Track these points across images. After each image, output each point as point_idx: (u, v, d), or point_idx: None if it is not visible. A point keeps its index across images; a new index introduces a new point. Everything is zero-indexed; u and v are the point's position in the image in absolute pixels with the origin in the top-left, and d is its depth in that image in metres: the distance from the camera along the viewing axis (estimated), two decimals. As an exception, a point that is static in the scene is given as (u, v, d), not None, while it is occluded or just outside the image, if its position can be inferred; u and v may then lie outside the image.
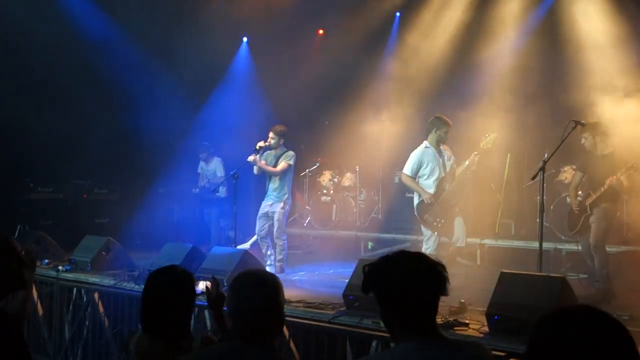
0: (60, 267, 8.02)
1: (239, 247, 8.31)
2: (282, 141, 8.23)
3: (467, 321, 5.12)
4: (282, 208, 8.22)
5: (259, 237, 8.29)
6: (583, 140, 6.72)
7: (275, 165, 8.20)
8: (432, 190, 7.39)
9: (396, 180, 11.02)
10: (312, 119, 12.71)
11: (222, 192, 10.53)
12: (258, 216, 8.33)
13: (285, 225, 8.37)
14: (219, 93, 12.58)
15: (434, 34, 11.23)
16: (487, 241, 9.62)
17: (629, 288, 7.07)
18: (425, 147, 7.47)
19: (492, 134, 7.56)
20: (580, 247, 6.88)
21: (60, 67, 10.56)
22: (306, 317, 5.72)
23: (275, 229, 8.24)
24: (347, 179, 11.87)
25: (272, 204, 8.26)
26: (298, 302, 6.08)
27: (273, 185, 8.26)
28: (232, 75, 13.46)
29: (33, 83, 10.56)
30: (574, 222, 6.80)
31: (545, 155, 6.16)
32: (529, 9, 10.21)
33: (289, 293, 6.67)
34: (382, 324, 5.27)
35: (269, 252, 7.92)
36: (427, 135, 7.56)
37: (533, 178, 6.02)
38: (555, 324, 1.64)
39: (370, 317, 5.37)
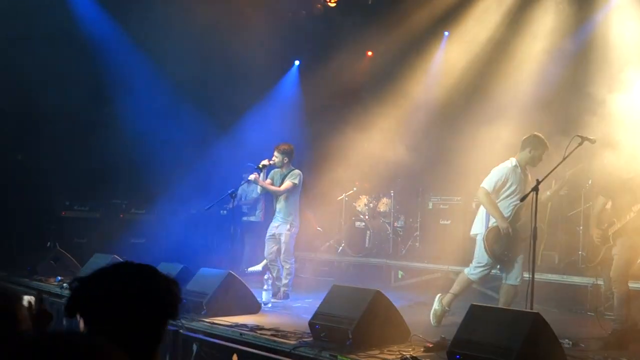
0: (65, 285, 7.97)
1: (250, 269, 7.96)
2: (286, 160, 7.86)
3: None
4: (289, 230, 7.81)
5: (268, 260, 7.91)
6: (606, 160, 5.95)
7: (280, 185, 7.83)
8: (507, 215, 6.39)
9: (473, 206, 10.26)
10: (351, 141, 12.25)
11: (259, 216, 10.27)
12: (266, 238, 7.96)
13: (293, 248, 7.93)
14: (260, 113, 12.37)
15: (475, 52, 10.59)
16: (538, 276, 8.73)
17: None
18: (514, 165, 6.44)
19: (579, 164, 6.65)
20: (600, 282, 6.06)
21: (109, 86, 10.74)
22: (267, 345, 5.28)
23: (282, 252, 7.84)
24: (383, 204, 11.31)
25: (279, 226, 7.88)
26: (269, 329, 5.63)
27: (279, 205, 7.90)
28: (276, 96, 13.31)
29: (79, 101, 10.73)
30: (595, 253, 5.99)
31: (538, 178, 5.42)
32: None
33: (271, 319, 6.33)
34: (340, 357, 4.82)
35: (266, 277, 7.50)
36: (519, 153, 6.51)
37: (522, 199, 5.31)
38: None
39: (331, 349, 4.88)
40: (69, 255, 9.39)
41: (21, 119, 10.56)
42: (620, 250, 5.77)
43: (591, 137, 5.57)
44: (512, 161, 6.44)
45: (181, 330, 5.39)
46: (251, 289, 7.17)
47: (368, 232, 11.06)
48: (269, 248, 7.93)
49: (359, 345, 4.95)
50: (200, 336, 5.50)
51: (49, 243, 10.34)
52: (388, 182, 11.29)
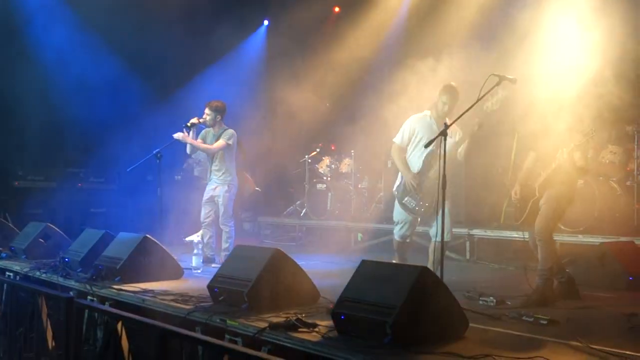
0: (-2, 255, 7.70)
1: (188, 238, 7.61)
2: (218, 117, 7.45)
3: (316, 322, 4.14)
4: (227, 192, 7.45)
5: (203, 225, 7.54)
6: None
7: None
8: (417, 167, 6.14)
9: (389, 165, 9.95)
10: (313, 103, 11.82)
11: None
12: (203, 202, 7.59)
13: (232, 210, 7.56)
14: (219, 73, 11.92)
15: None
16: (476, 232, 8.38)
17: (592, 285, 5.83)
18: (423, 114, 6.22)
19: (502, 91, 6.03)
20: (527, 237, 5.66)
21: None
22: (163, 310, 4.96)
23: (220, 215, 7.49)
24: (345, 165, 10.92)
25: (216, 188, 7.51)
26: (175, 294, 5.29)
27: (214, 167, 7.51)
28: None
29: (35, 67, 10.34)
30: (520, 209, 5.56)
31: (447, 121, 4.98)
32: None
33: (189, 285, 5.99)
34: (229, 321, 4.47)
35: (196, 240, 7.15)
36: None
37: (427, 145, 4.87)
38: None
39: (225, 313, 4.53)
40: (11, 225, 9.12)
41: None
42: (546, 201, 5.36)
43: (510, 76, 5.10)
44: (425, 112, 6.20)
45: (75, 298, 5.06)
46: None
47: (329, 194, 10.70)
48: (206, 212, 7.58)
49: (256, 309, 4.61)
50: (94, 303, 5.18)
51: (-1, 214, 10.05)
52: (350, 143, 10.89)
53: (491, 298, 5.16)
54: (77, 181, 11.50)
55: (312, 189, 10.98)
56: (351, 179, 10.74)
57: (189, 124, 7.29)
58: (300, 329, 4.06)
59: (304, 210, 11.10)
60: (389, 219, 9.63)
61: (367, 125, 10.44)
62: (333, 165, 10.99)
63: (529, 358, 3.44)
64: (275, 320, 4.25)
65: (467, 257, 8.43)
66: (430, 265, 5.82)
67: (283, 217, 11.57)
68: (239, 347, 3.56)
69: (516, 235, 7.03)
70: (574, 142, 5.07)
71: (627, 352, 3.58)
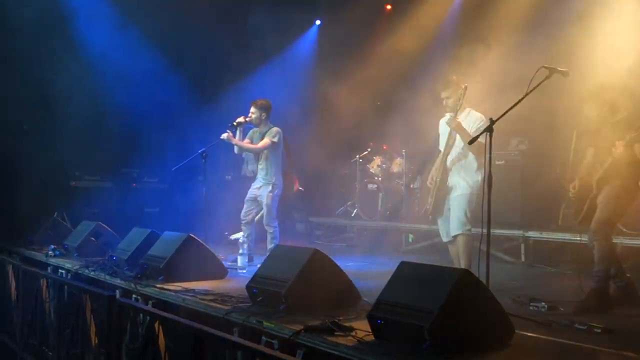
0: (50, 252, 7.86)
1: (233, 236, 7.59)
2: (264, 116, 7.38)
3: (353, 325, 4.00)
4: (271, 192, 7.37)
5: (242, 222, 7.48)
6: (586, 111, 5.22)
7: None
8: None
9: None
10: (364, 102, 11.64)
11: None
12: (245, 199, 7.54)
13: (276, 211, 7.47)
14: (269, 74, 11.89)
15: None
16: (532, 233, 8.05)
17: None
18: (446, 115, 6.15)
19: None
20: (585, 239, 5.35)
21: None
22: (201, 310, 4.91)
23: (264, 215, 7.41)
24: (397, 165, 10.71)
25: (260, 187, 7.44)
26: (216, 295, 5.24)
27: (259, 166, 7.46)
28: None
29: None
30: (578, 206, 5.27)
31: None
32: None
33: (232, 285, 5.92)
34: (265, 323, 4.38)
35: (241, 240, 7.08)
36: None
37: (471, 142, 4.63)
38: None
39: (262, 314, 4.44)
40: (67, 224, 9.32)
41: (29, 93, 10.46)
42: (604, 197, 5.05)
43: (562, 69, 4.82)
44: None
45: (118, 296, 5.07)
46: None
47: (380, 194, 10.51)
48: (246, 209, 7.51)
49: (293, 310, 4.49)
50: (133, 302, 5.18)
51: (55, 213, 10.27)
52: (401, 142, 10.66)
53: (543, 303, 4.91)
54: (131, 181, 11.68)
55: (363, 189, 10.82)
56: (402, 179, 10.51)
57: (234, 124, 7.26)
58: (336, 332, 3.92)
59: (355, 211, 10.94)
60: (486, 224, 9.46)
61: (419, 124, 10.21)
62: (384, 165, 10.79)
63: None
64: (311, 322, 4.13)
65: (522, 259, 8.11)
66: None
67: (334, 217, 11.44)
68: (268, 350, 3.46)
69: (574, 238, 6.72)
70: (632, 134, 4.75)
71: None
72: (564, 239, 7.70)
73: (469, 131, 5.73)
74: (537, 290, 5.73)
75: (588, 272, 5.28)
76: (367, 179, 10.85)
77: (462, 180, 5.95)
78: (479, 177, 5.86)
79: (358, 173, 11.09)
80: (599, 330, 4.08)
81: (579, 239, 5.48)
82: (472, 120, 5.84)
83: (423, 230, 9.66)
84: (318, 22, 13.63)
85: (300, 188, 10.05)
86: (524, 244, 8.10)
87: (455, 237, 5.97)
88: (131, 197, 11.49)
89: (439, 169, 6.01)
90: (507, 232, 8.32)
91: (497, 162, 8.92)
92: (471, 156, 5.90)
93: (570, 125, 8.56)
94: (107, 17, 10.43)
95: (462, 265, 5.72)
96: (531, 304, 4.94)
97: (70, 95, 10.21)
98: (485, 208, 4.74)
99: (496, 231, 8.40)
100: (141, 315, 4.98)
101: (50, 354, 6.11)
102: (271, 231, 7.42)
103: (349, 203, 11.38)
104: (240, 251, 6.95)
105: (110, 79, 10.21)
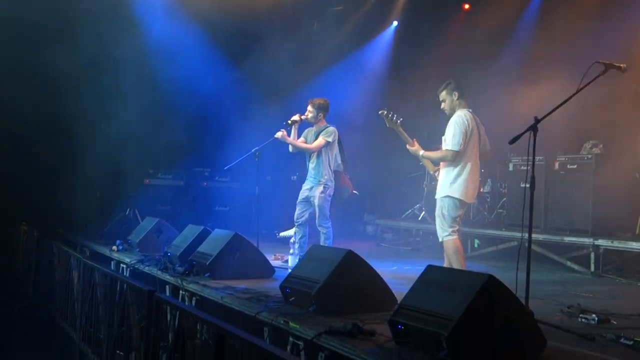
0: (113, 247, 8.10)
1: (283, 234, 7.54)
2: (321, 115, 7.28)
3: (374, 328, 3.85)
4: (322, 192, 7.24)
5: (296, 224, 7.40)
6: None
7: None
8: None
9: (510, 169, 9.32)
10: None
11: None
12: (297, 201, 7.46)
13: (329, 211, 7.34)
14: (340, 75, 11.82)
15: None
16: (602, 242, 7.56)
17: None
18: None
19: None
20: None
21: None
22: (236, 308, 4.90)
23: (317, 216, 7.31)
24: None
25: (311, 188, 7.33)
26: (254, 293, 5.21)
27: (311, 165, 7.35)
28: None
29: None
30: None
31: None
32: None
33: (276, 284, 5.86)
34: (291, 324, 4.30)
35: (292, 240, 7.02)
36: None
37: (512, 141, 4.35)
38: None
39: (289, 315, 4.37)
40: (138, 220, 9.58)
41: (104, 90, 10.88)
42: None
43: (620, 64, 4.45)
44: None
45: (156, 293, 5.12)
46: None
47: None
48: (299, 211, 7.40)
49: (323, 311, 4.38)
50: (170, 298, 5.22)
51: (127, 210, 10.61)
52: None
53: (594, 316, 4.56)
54: (203, 180, 11.91)
55: (430, 192, 10.53)
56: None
57: (289, 122, 7.21)
58: (358, 336, 3.79)
59: (422, 214, 10.69)
60: (509, 226, 9.10)
61: (489, 125, 9.85)
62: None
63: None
64: (336, 325, 4.01)
65: (592, 269, 7.63)
66: None
67: (401, 220, 11.22)
68: (279, 351, 3.35)
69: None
70: None
71: None
72: (638, 249, 7.21)
73: (446, 136, 6.01)
74: (597, 301, 5.34)
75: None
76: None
77: (442, 185, 6.11)
78: (451, 180, 5.98)
79: (427, 175, 10.81)
80: (631, 342, 3.74)
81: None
82: (451, 123, 5.99)
83: (489, 236, 9.32)
84: (395, 23, 13.44)
85: (355, 192, 9.88)
86: (594, 253, 7.62)
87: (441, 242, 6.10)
88: (202, 195, 11.76)
89: (433, 172, 6.31)
90: (576, 240, 7.88)
91: (569, 167, 8.50)
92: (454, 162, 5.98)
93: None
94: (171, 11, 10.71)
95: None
96: (581, 315, 4.61)
97: (145, 93, 10.56)
98: (527, 213, 4.38)
99: (565, 239, 8.03)
100: (175, 311, 5.01)
101: (102, 347, 6.27)
102: (324, 232, 7.30)
103: (416, 206, 11.14)
104: (291, 251, 6.90)
105: (179, 79, 10.43)
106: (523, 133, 4.36)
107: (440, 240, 6.05)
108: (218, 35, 10.95)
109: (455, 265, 5.82)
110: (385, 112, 6.22)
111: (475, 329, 3.29)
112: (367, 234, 12.47)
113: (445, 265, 5.96)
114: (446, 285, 3.59)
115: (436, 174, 6.26)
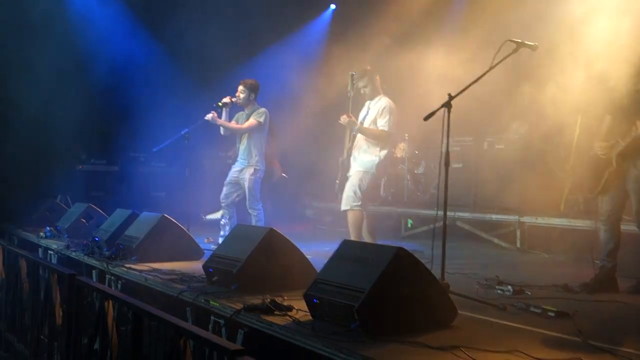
0: (41, 234, 7.91)
1: (209, 216, 7.48)
2: (252, 96, 7.25)
3: (292, 304, 3.89)
4: (253, 174, 7.22)
5: (222, 205, 7.35)
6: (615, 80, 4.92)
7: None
8: None
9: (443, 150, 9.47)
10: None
11: None
12: (225, 182, 7.41)
13: (259, 194, 7.32)
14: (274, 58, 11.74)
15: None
16: (527, 219, 7.80)
17: None
18: None
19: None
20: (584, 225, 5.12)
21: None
22: (158, 288, 4.88)
23: (247, 199, 7.28)
24: (400, 150, 10.48)
25: (242, 170, 7.30)
26: (177, 274, 5.18)
27: (242, 147, 7.31)
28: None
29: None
30: (594, 180, 4.98)
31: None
32: None
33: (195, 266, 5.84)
34: (212, 302, 4.29)
35: (222, 222, 7.00)
36: None
37: (426, 118, 4.43)
38: None
39: (210, 294, 4.37)
40: (64, 207, 9.37)
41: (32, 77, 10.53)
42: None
43: (531, 42, 4.57)
44: None
45: (78, 276, 5.03)
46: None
47: (383, 179, 10.31)
48: (226, 192, 7.37)
49: (245, 290, 4.40)
50: (91, 281, 5.14)
51: (58, 196, 10.36)
52: (403, 126, 10.42)
53: (509, 287, 4.71)
54: (138, 165, 11.70)
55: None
56: (406, 164, 10.31)
57: (220, 104, 7.14)
58: (275, 312, 3.82)
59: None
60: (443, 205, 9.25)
61: (421, 108, 9.98)
62: (388, 150, 10.59)
63: (503, 351, 3.04)
64: (254, 302, 4.03)
65: (518, 245, 7.86)
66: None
67: (337, 202, 11.28)
68: (196, 329, 3.34)
69: (572, 224, 6.52)
70: None
71: (624, 349, 3.10)
72: (562, 225, 7.46)
73: (372, 116, 6.49)
74: (517, 274, 5.51)
75: (582, 258, 5.06)
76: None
77: (358, 161, 6.53)
78: (374, 158, 6.47)
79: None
80: (553, 314, 3.89)
81: (580, 225, 5.24)
82: (378, 106, 6.49)
83: (422, 216, 9.48)
84: (333, 6, 13.42)
85: (284, 175, 9.87)
86: (520, 230, 7.86)
87: (345, 212, 6.51)
88: (137, 181, 11.55)
89: (348, 149, 6.59)
90: (502, 217, 8.11)
91: (497, 146, 8.70)
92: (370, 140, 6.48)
93: (574, 108, 8.28)
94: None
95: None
96: (497, 287, 4.76)
97: (77, 79, 10.29)
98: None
99: (492, 216, 8.24)
100: (95, 294, 4.93)
101: (27, 334, 6.12)
102: (255, 214, 7.28)
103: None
104: (222, 233, 6.87)
105: (108, 63, 10.21)
106: (437, 110, 4.45)
107: (345, 209, 6.53)
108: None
109: (354, 236, 6.27)
110: (354, 75, 6.49)
111: (385, 300, 3.36)
112: (307, 217, 12.50)
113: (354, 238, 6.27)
114: (359, 258, 3.65)
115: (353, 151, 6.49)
